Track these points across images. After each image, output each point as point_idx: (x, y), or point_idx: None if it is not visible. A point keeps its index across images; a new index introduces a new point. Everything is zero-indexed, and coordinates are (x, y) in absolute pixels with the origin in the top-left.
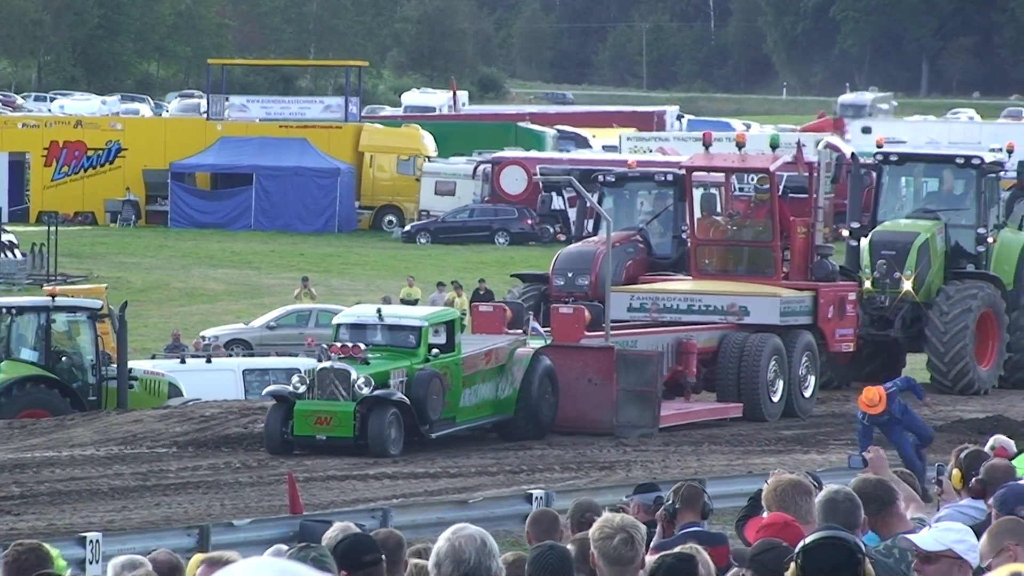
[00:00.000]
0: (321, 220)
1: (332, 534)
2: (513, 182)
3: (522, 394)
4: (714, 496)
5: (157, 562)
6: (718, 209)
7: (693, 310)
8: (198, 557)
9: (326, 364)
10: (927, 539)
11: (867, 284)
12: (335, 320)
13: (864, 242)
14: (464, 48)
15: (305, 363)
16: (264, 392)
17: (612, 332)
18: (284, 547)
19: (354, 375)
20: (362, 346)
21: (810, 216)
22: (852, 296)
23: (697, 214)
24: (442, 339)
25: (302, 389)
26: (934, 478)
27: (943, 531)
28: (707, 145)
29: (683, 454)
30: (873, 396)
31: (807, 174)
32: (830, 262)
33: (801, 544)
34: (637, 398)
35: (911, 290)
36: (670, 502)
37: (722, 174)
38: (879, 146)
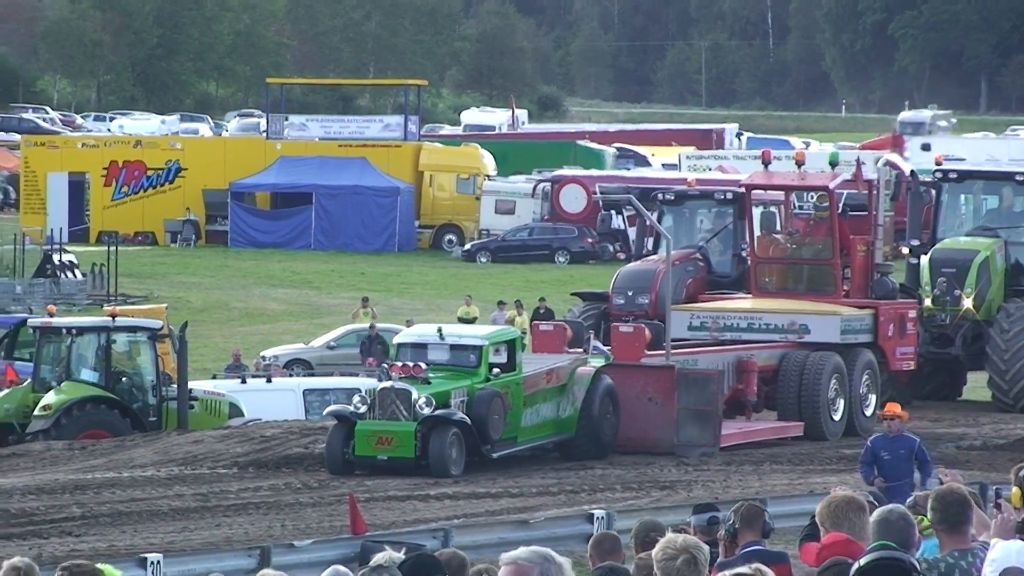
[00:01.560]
0: (381, 239)
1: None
2: (572, 200)
3: (583, 413)
4: (776, 516)
5: None
6: (778, 227)
7: (753, 328)
8: (263, 573)
9: (387, 384)
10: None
11: (927, 302)
12: (396, 340)
13: (924, 260)
14: (523, 67)
15: (366, 383)
16: (325, 412)
17: (672, 351)
18: (342, 568)
19: (415, 395)
20: (423, 366)
21: (870, 234)
22: (912, 314)
23: (757, 232)
24: (503, 358)
25: (363, 409)
26: (993, 500)
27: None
28: (766, 163)
29: (744, 473)
30: (895, 407)
31: (866, 192)
32: (890, 280)
33: (857, 565)
34: (698, 417)
35: (971, 308)
36: (730, 522)
37: (781, 192)
38: (938, 163)
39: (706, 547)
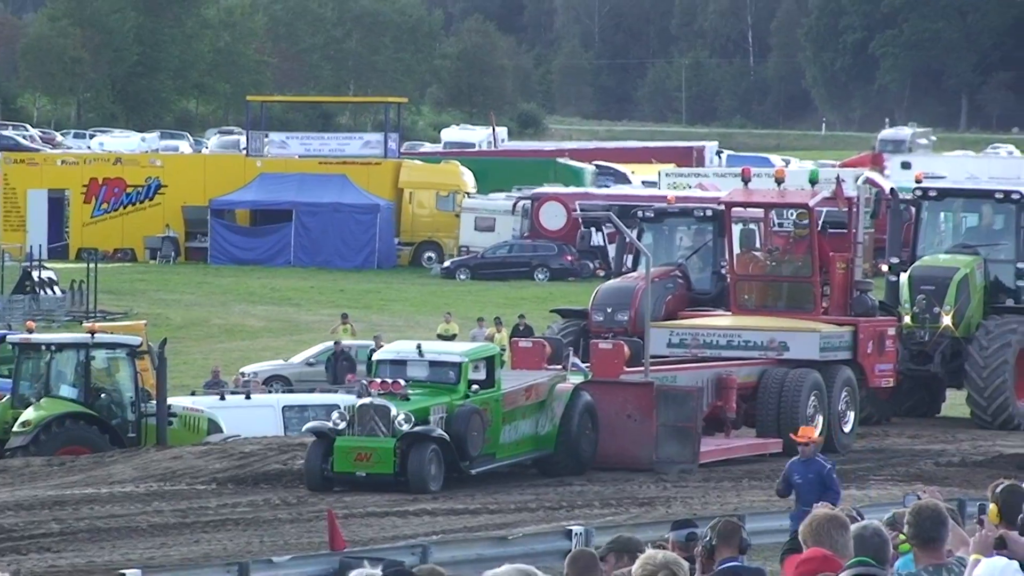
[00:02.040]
0: (361, 256)
1: None
2: (552, 218)
3: (562, 430)
4: (754, 532)
5: None
6: (757, 245)
7: (733, 346)
8: None
9: (366, 400)
10: None
11: (907, 319)
12: (375, 356)
13: (903, 277)
14: (503, 84)
15: (345, 399)
16: (304, 428)
17: (652, 368)
18: None
19: (394, 411)
20: (402, 382)
21: (850, 251)
22: (892, 331)
23: (736, 249)
24: (482, 375)
25: (342, 425)
26: (976, 516)
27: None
28: (746, 180)
29: (723, 490)
30: (809, 431)
31: (846, 209)
32: (870, 297)
33: None
34: (677, 434)
35: (951, 325)
36: (708, 538)
37: (761, 209)
38: (918, 181)
39: (686, 563)
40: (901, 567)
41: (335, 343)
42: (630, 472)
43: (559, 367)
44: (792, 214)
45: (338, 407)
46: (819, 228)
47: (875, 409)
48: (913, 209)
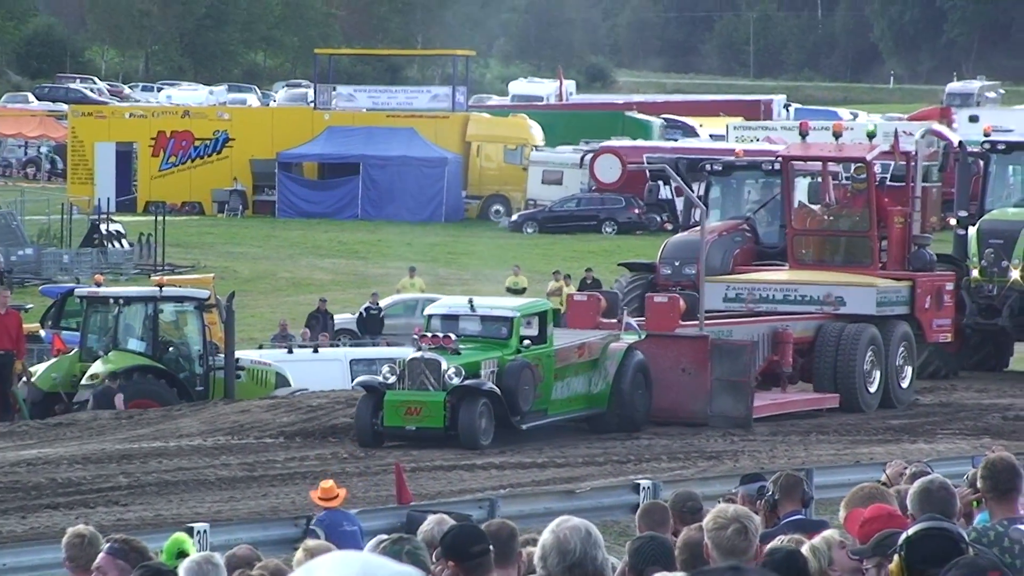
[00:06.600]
0: (428, 209)
1: (427, 527)
2: (608, 170)
3: (615, 389)
4: (822, 486)
5: (237, 557)
6: (816, 199)
7: (789, 300)
8: (305, 544)
9: (416, 354)
10: None
11: (975, 273)
12: (427, 311)
13: (972, 231)
14: (571, 37)
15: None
16: (354, 383)
17: (707, 322)
18: (386, 537)
19: (444, 365)
20: (453, 336)
21: (908, 205)
22: (949, 286)
23: (804, 202)
24: (534, 331)
25: (392, 379)
26: None
27: None
28: (804, 134)
29: (791, 444)
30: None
31: (904, 163)
32: (927, 252)
33: (905, 535)
34: (731, 388)
35: (1019, 279)
36: (770, 492)
37: (819, 163)
38: (986, 135)
39: (756, 517)
40: (979, 523)
41: (321, 300)
42: (697, 426)
43: (614, 322)
44: (852, 168)
45: (391, 361)
46: (879, 182)
47: (942, 363)
48: (981, 162)
